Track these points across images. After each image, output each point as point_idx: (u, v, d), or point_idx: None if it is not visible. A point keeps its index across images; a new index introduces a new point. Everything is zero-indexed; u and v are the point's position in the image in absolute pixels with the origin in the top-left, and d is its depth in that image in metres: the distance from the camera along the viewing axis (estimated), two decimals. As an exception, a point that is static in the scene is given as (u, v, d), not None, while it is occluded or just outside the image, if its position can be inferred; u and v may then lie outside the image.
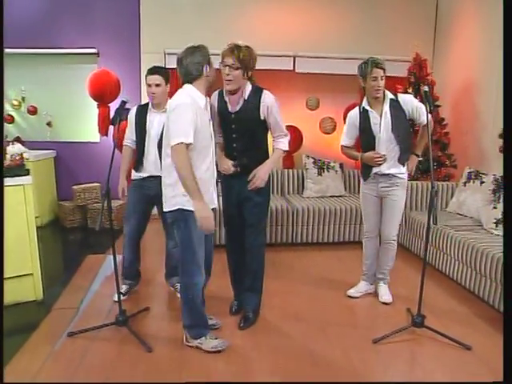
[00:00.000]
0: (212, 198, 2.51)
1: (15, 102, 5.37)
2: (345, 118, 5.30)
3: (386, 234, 3.23)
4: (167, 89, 3.03)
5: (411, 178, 3.63)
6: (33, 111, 5.42)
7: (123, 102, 2.72)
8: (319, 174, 4.94)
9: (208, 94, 2.52)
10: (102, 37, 5.21)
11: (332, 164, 5.02)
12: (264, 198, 2.81)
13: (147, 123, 3.04)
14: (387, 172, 3.11)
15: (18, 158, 3.08)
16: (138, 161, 3.13)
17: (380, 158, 3.06)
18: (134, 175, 3.16)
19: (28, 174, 3.09)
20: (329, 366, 2.48)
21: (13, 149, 3.09)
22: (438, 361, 2.53)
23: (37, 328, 2.82)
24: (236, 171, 2.70)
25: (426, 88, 2.77)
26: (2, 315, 2.29)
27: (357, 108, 3.21)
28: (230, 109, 2.66)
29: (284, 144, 2.76)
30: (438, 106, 4.74)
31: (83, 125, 5.44)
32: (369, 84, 2.99)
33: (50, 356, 2.49)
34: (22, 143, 3.35)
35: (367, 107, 3.09)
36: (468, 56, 4.79)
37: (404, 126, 3.08)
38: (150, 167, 3.05)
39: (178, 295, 3.05)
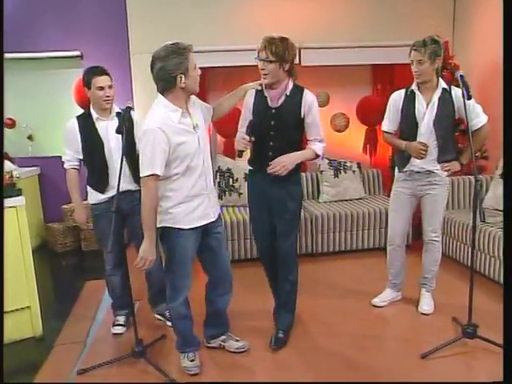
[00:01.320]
0: (204, 213, 2.50)
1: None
2: (357, 113, 5.40)
3: (427, 231, 3.20)
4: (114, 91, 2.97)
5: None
6: (10, 124, 5.33)
7: (128, 108, 2.67)
8: (336, 175, 4.91)
9: (198, 94, 2.52)
10: (86, 37, 5.14)
11: (349, 164, 4.99)
12: (297, 204, 2.82)
13: (100, 135, 2.91)
14: (425, 168, 3.07)
15: (7, 176, 3.02)
16: (100, 181, 2.93)
17: (425, 149, 2.97)
18: (98, 199, 2.97)
19: (20, 194, 3.03)
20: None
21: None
22: (499, 374, 2.47)
23: (40, 368, 2.74)
24: (250, 140, 2.62)
25: (461, 72, 2.74)
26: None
27: (402, 90, 3.16)
28: (270, 104, 2.68)
29: (318, 148, 2.75)
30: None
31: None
32: (411, 68, 2.98)
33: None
34: (10, 160, 3.29)
35: (416, 91, 3.05)
36: (493, 35, 4.78)
37: (448, 122, 3.02)
38: (122, 183, 2.69)
39: (168, 324, 3.04)
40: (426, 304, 3.28)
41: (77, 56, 5.18)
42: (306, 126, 2.72)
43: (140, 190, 2.84)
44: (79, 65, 5.17)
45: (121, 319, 3.19)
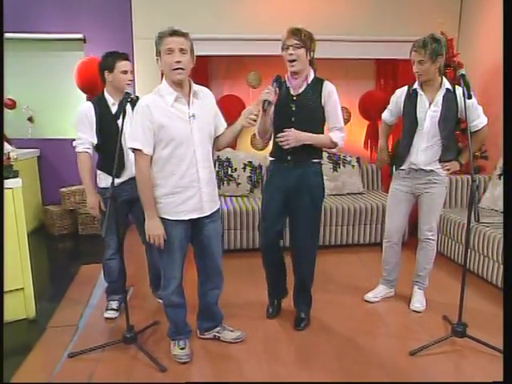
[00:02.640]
0: (196, 207, 2.47)
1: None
2: (359, 108, 5.38)
3: (423, 230, 3.20)
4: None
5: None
6: (11, 105, 5.32)
7: (127, 94, 2.63)
8: (334, 169, 4.92)
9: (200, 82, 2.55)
10: (89, 21, 5.12)
11: (348, 158, 4.99)
12: (317, 196, 2.85)
13: (116, 120, 2.88)
14: (425, 168, 3.07)
15: (4, 158, 3.02)
16: (118, 165, 2.83)
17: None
18: (107, 183, 2.92)
19: (17, 176, 3.02)
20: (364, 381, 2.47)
21: (-2, 148, 3.03)
22: (486, 375, 2.50)
23: (31, 350, 2.76)
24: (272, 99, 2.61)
25: (462, 71, 2.69)
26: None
27: (404, 87, 3.16)
28: (292, 92, 2.75)
29: (336, 135, 2.75)
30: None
31: (70, 120, 5.32)
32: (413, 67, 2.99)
33: (49, 382, 2.44)
34: (8, 141, 3.28)
35: (419, 90, 3.04)
36: (498, 34, 4.73)
37: (452, 122, 3.02)
38: (132, 168, 2.69)
39: None
40: (418, 301, 3.29)
41: (79, 39, 5.16)
42: (326, 115, 2.76)
43: None
44: (82, 48, 5.17)
45: (114, 304, 3.20)
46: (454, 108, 2.97)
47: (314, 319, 3.12)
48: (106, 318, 3.13)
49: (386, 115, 3.33)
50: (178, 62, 2.28)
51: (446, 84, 3.00)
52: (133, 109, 2.60)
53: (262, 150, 2.65)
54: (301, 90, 2.73)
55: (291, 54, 2.63)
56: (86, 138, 2.93)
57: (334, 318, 3.17)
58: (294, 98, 2.74)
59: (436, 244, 3.27)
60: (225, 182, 4.74)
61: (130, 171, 2.90)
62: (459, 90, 2.96)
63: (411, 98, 3.06)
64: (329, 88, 2.74)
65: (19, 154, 4.77)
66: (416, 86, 3.05)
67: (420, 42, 2.88)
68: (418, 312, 3.24)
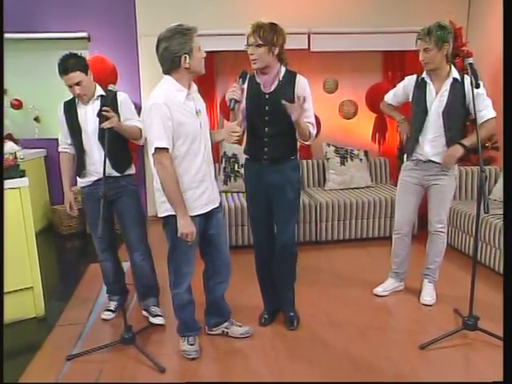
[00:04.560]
0: (209, 200, 2.52)
1: (-2, 96, 5.30)
2: (366, 100, 5.34)
3: (433, 222, 3.18)
4: (91, 77, 2.82)
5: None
6: (17, 105, 5.36)
7: (110, 92, 2.63)
8: (342, 163, 4.89)
9: (196, 81, 2.52)
10: (93, 19, 5.13)
11: (356, 152, 4.96)
12: (296, 191, 2.80)
13: (79, 119, 2.84)
14: (433, 159, 3.03)
15: (11, 157, 3.05)
16: (79, 166, 2.93)
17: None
18: (81, 183, 2.97)
19: (24, 176, 3.05)
20: (373, 376, 2.46)
21: (5, 148, 3.06)
22: (498, 367, 2.46)
23: (40, 348, 2.78)
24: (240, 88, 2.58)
25: (470, 60, 2.65)
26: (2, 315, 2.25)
27: (413, 75, 3.14)
28: (263, 89, 2.67)
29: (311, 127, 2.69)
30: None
31: (76, 119, 5.39)
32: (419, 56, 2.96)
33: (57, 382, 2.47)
34: (15, 141, 3.31)
35: (427, 79, 3.02)
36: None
37: (458, 113, 2.96)
38: (97, 168, 2.75)
39: (152, 320, 3.03)
40: (428, 295, 3.27)
41: (84, 38, 5.17)
42: None
43: (123, 176, 2.91)
44: (86, 46, 5.18)
45: (112, 305, 3.19)
46: (460, 98, 2.93)
47: (323, 314, 3.12)
48: (102, 319, 3.12)
49: (389, 96, 3.31)
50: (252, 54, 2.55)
51: (454, 73, 2.96)
52: (104, 104, 2.62)
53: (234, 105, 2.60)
54: (273, 88, 2.65)
55: (252, 54, 2.58)
56: (61, 138, 2.99)
57: (342, 312, 3.16)
58: (267, 96, 2.66)
59: (446, 236, 3.24)
60: (232, 179, 4.74)
61: (95, 172, 2.85)
62: (468, 80, 2.89)
63: (420, 87, 3.04)
64: (302, 83, 2.66)
65: (26, 154, 4.83)
66: (424, 75, 3.04)
67: (425, 29, 2.86)
68: (429, 305, 3.21)
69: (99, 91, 2.85)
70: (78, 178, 2.99)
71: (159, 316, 3.04)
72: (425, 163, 3.08)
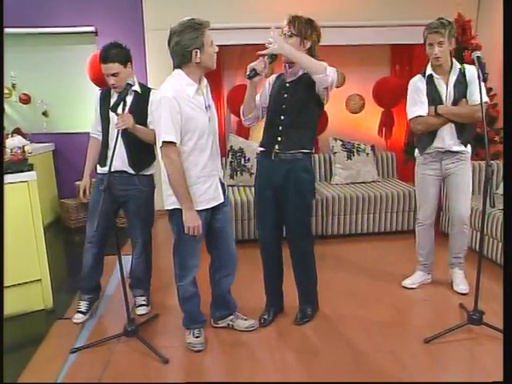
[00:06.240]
0: (215, 195, 2.54)
1: (5, 90, 5.28)
2: (374, 95, 5.31)
3: (459, 214, 3.19)
4: (130, 70, 2.84)
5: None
6: (26, 100, 5.40)
7: (128, 85, 2.62)
8: (349, 157, 4.89)
9: (207, 76, 2.52)
10: (100, 13, 5.15)
11: (363, 146, 4.96)
12: (305, 195, 2.76)
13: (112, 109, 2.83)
14: (452, 149, 3.07)
15: (19, 151, 3.08)
16: (101, 154, 2.95)
17: None
18: (99, 170, 2.99)
19: (32, 169, 3.08)
20: (375, 370, 2.47)
21: (13, 142, 3.09)
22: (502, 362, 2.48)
23: (45, 340, 2.83)
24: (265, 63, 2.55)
25: (478, 53, 2.66)
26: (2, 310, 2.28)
27: (418, 75, 3.15)
28: (286, 79, 2.71)
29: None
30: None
31: (84, 113, 5.33)
32: (427, 51, 2.98)
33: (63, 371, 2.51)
34: (23, 135, 3.35)
35: (434, 74, 3.05)
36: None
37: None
38: (115, 161, 2.65)
39: (137, 311, 3.10)
40: (463, 283, 3.29)
41: (91, 32, 5.19)
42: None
43: (139, 175, 2.91)
44: (94, 41, 5.20)
45: (82, 305, 3.06)
46: (464, 87, 3.01)
47: (328, 307, 3.13)
48: (74, 323, 3.00)
49: (414, 109, 3.10)
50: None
51: (458, 65, 3.03)
52: (121, 99, 2.60)
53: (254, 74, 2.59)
54: (295, 78, 2.67)
55: None
56: (93, 123, 3.03)
57: (349, 306, 3.18)
58: (287, 84, 2.69)
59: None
60: (238, 173, 4.75)
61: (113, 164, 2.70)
62: (467, 68, 3.01)
63: (428, 82, 3.07)
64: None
65: (35, 149, 4.88)
66: (429, 71, 3.06)
67: (437, 23, 2.90)
68: (465, 294, 3.22)
69: (135, 86, 2.80)
70: (98, 165, 3.01)
71: (142, 306, 3.12)
72: (444, 153, 3.12)
